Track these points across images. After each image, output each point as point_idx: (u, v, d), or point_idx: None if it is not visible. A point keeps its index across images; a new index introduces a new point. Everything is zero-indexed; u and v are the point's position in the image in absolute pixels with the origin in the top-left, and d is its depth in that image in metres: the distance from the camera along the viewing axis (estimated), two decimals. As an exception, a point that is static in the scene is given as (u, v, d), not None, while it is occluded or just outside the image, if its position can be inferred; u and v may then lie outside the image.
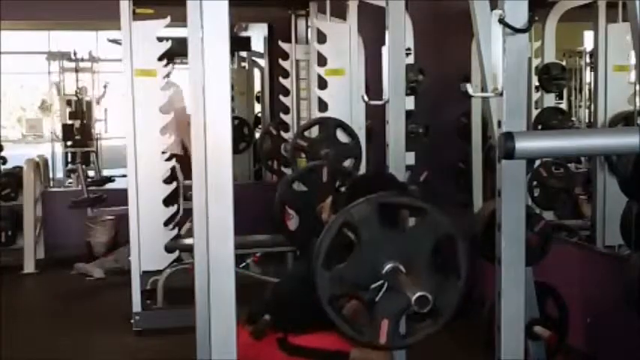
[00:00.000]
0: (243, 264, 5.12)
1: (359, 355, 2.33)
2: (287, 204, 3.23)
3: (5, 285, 5.42)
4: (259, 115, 7.36)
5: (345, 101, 4.64)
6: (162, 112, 4.37)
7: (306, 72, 5.49)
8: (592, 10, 3.80)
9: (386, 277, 1.64)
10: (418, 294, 1.55)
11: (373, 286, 1.64)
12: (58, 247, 6.38)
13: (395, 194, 1.94)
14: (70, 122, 7.97)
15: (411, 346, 2.72)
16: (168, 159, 4.54)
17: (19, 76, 12.16)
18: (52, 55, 8.33)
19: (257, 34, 7.27)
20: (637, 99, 3.83)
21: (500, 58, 1.75)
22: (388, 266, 1.64)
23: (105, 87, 8.69)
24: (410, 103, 4.31)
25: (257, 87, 7.51)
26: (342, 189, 3.17)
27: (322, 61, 4.77)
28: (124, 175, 4.90)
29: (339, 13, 4.80)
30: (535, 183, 4.06)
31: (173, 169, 4.78)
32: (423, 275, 1.66)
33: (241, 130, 6.57)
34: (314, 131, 4.58)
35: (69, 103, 8.09)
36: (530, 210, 3.08)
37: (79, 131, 7.87)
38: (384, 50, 2.80)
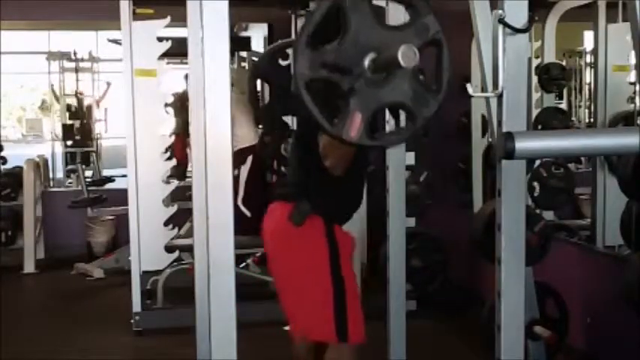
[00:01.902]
0: (243, 264, 5.12)
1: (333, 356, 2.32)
2: (263, 78, 3.10)
3: (5, 285, 5.42)
4: (259, 115, 7.35)
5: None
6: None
7: (306, 72, 5.49)
8: (592, 10, 3.79)
9: (368, 66, 1.58)
10: (402, 49, 1.49)
11: (355, 71, 1.56)
12: (58, 247, 6.39)
13: None
14: (70, 122, 7.97)
15: (410, 343, 2.73)
16: (169, 158, 4.54)
17: (19, 76, 12.15)
18: (52, 55, 8.33)
19: (257, 34, 7.26)
20: (637, 99, 3.83)
21: (501, 58, 1.75)
22: (371, 56, 1.58)
23: (108, 84, 8.68)
24: (410, 103, 4.30)
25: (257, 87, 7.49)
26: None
27: (322, 61, 4.76)
28: (124, 175, 4.90)
29: (339, 13, 4.79)
30: (535, 183, 4.06)
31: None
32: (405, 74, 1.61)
33: (241, 130, 6.55)
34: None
35: (69, 108, 8.08)
36: (530, 210, 3.09)
37: (79, 131, 7.87)
38: (384, 50, 2.80)
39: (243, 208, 5.24)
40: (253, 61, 7.38)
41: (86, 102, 8.29)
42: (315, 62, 1.56)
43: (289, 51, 3.23)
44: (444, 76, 1.67)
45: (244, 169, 5.32)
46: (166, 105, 5.04)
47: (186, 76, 5.84)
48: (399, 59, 1.49)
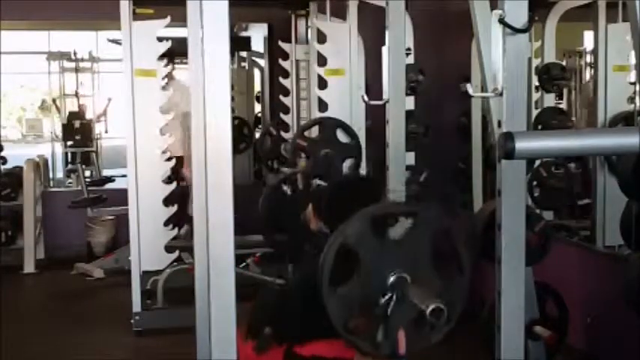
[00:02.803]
0: (243, 264, 5.11)
1: None
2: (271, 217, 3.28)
3: (5, 285, 5.42)
4: (259, 115, 7.36)
5: (345, 101, 4.63)
6: (162, 112, 4.39)
7: (306, 72, 5.49)
8: (592, 10, 3.80)
9: (393, 289, 1.65)
10: (432, 306, 1.56)
11: (383, 300, 1.65)
12: (58, 247, 6.38)
13: (384, 206, 1.92)
14: (69, 122, 7.97)
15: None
16: (168, 159, 4.54)
17: (19, 76, 12.15)
18: (52, 55, 8.33)
19: (257, 34, 7.27)
20: (637, 99, 3.83)
21: (500, 58, 1.75)
22: (393, 277, 1.65)
23: (109, 100, 8.70)
24: (410, 103, 4.30)
25: (257, 87, 7.51)
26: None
27: (322, 61, 4.77)
28: (124, 175, 4.90)
29: (339, 13, 4.79)
30: (535, 183, 4.06)
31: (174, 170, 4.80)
32: (428, 279, 1.66)
33: (241, 130, 6.57)
34: (314, 131, 4.58)
35: (70, 116, 8.09)
36: (530, 210, 3.09)
37: (79, 131, 7.86)
38: (384, 50, 2.80)
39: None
40: (253, 61, 7.38)
41: (87, 116, 8.27)
42: (344, 304, 1.65)
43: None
44: (463, 262, 1.71)
45: None
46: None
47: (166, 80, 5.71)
48: (427, 317, 1.56)
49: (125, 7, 4.18)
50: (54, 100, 8.29)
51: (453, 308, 1.72)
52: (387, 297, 1.65)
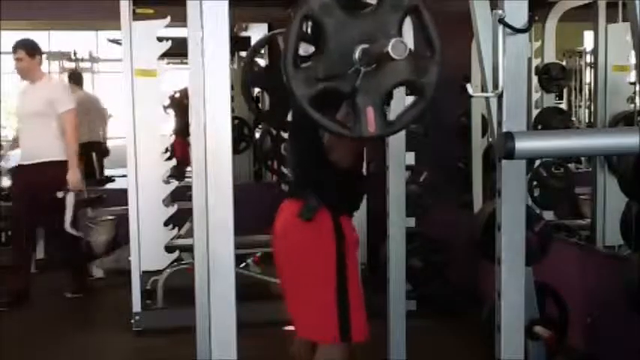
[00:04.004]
0: (243, 264, 5.12)
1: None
2: (254, 84, 3.16)
3: (6, 285, 5.41)
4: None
5: (345, 101, 4.62)
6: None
7: (306, 72, 5.48)
8: (592, 10, 3.80)
9: (360, 61, 1.58)
10: (392, 41, 1.48)
11: (350, 71, 1.57)
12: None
13: None
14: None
15: (410, 343, 2.73)
16: (169, 158, 4.54)
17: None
18: (52, 55, 8.33)
19: (257, 34, 7.27)
20: (637, 99, 3.83)
21: (501, 58, 1.75)
22: (359, 49, 1.58)
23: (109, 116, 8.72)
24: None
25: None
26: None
27: (322, 60, 4.75)
28: (124, 175, 4.90)
29: (339, 13, 4.79)
30: (535, 183, 4.06)
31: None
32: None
33: (241, 130, 6.56)
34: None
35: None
36: (530, 210, 3.09)
37: (78, 131, 7.84)
38: (384, 50, 2.79)
39: (71, 230, 5.12)
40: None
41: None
42: (309, 79, 1.57)
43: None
44: (434, 39, 1.67)
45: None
46: (165, 107, 5.01)
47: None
48: (390, 54, 1.49)
49: (125, 7, 4.18)
50: None
51: (426, 86, 1.67)
52: (353, 70, 1.56)
